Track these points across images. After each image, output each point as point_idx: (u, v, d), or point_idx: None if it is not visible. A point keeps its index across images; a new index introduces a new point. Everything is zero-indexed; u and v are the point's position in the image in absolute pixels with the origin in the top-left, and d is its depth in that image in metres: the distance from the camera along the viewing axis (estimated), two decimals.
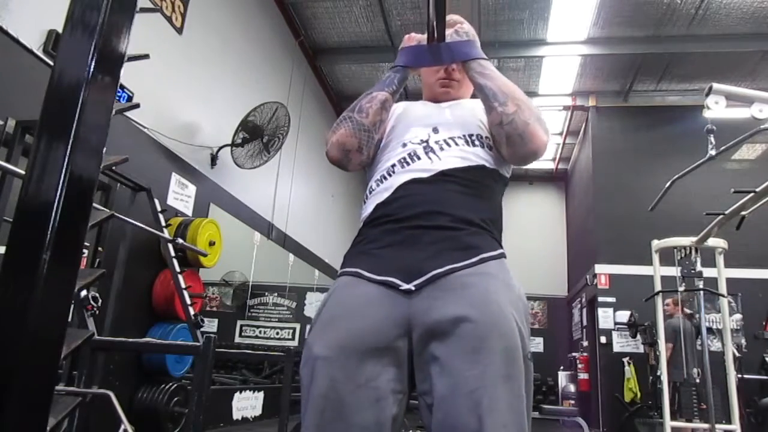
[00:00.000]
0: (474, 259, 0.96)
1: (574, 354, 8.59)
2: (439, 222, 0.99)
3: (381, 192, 1.08)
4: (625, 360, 6.67)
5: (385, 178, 1.09)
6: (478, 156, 1.09)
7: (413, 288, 0.93)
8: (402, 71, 1.20)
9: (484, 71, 1.11)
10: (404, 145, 1.11)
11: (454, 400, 0.85)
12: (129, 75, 3.60)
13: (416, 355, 0.92)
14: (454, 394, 0.85)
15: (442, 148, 1.09)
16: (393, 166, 1.09)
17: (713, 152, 2.82)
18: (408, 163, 1.08)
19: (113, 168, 2.86)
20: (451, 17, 1.21)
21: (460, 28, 1.19)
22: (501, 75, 1.11)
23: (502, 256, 1.02)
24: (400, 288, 0.94)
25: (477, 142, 1.11)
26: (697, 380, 4.20)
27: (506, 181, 1.17)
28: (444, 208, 1.01)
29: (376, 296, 0.95)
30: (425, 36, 1.19)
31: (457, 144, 1.10)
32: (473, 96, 1.25)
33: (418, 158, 1.08)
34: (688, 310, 5.00)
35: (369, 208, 1.09)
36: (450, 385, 0.86)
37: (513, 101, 1.06)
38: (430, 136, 1.11)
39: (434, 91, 1.28)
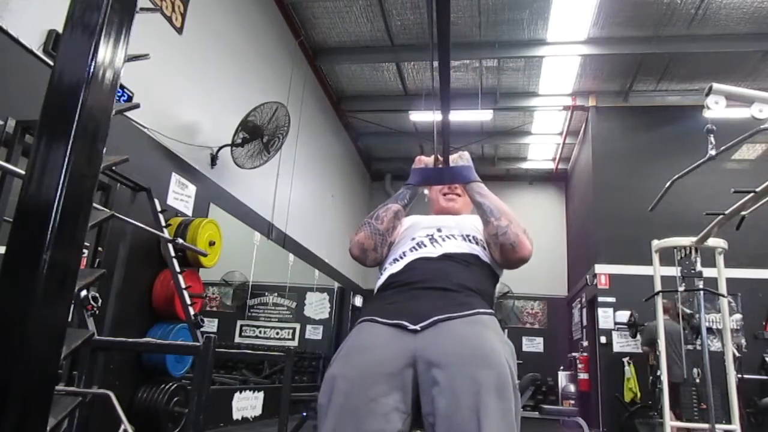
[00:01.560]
0: (469, 312, 1.15)
1: (574, 354, 8.59)
2: (441, 285, 1.22)
3: (394, 267, 1.33)
4: (625, 360, 6.67)
5: (397, 260, 1.35)
6: (473, 248, 1.36)
7: (419, 329, 1.11)
8: (413, 188, 1.48)
9: (482, 191, 1.41)
10: (413, 239, 1.39)
11: (456, 412, 0.98)
12: (129, 75, 3.61)
13: (420, 382, 1.06)
14: (455, 407, 0.99)
15: (444, 240, 1.37)
16: (404, 252, 1.36)
17: (713, 152, 2.82)
18: (417, 249, 1.35)
19: (113, 168, 2.86)
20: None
21: (462, 154, 1.50)
22: (494, 195, 1.40)
23: (493, 315, 1.21)
24: (408, 328, 1.12)
25: (473, 240, 1.38)
26: (697, 380, 4.20)
27: (497, 278, 1.41)
28: (446, 276, 1.24)
29: (388, 334, 1.13)
30: (432, 159, 1.51)
31: (456, 239, 1.38)
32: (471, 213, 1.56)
33: (425, 246, 1.36)
34: (687, 310, 5.00)
35: (383, 278, 1.33)
36: (450, 400, 0.99)
37: (506, 217, 1.33)
38: (434, 233, 1.40)
39: (440, 205, 1.60)
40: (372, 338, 1.14)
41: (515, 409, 1.03)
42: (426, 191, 1.67)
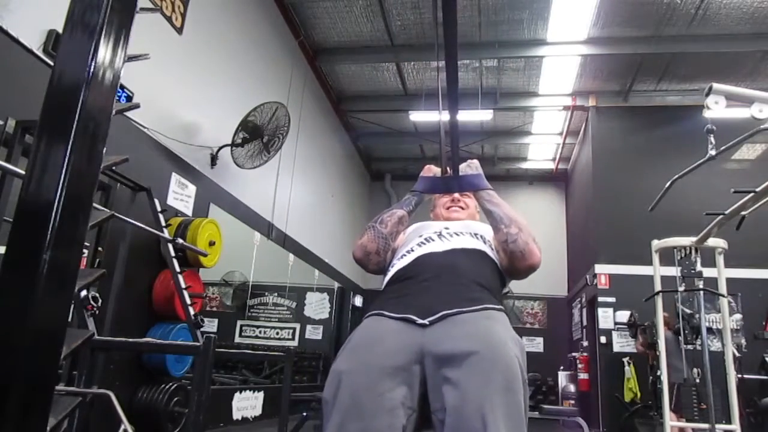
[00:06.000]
0: (479, 307, 1.14)
1: (574, 354, 8.59)
2: (450, 279, 1.23)
3: (402, 262, 1.34)
4: (625, 360, 6.67)
5: (405, 255, 1.36)
6: (482, 246, 1.38)
7: (427, 323, 1.11)
8: (419, 196, 1.50)
9: (492, 199, 1.42)
10: (420, 236, 1.42)
11: (464, 408, 0.97)
12: (129, 75, 3.60)
13: (429, 378, 1.05)
14: (463, 403, 0.98)
15: (452, 236, 1.39)
16: (412, 248, 1.37)
17: (713, 152, 2.81)
18: (425, 244, 1.38)
19: (113, 168, 2.85)
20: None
21: (471, 162, 1.53)
22: (505, 203, 1.41)
23: (503, 311, 1.19)
24: (416, 322, 1.12)
25: (480, 239, 1.40)
26: (697, 380, 4.20)
27: (505, 282, 1.40)
28: (455, 270, 1.26)
29: (395, 328, 1.13)
30: (440, 169, 1.51)
31: (464, 235, 1.40)
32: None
33: (433, 241, 1.38)
34: (687, 310, 4.99)
35: (390, 273, 1.34)
36: (460, 397, 0.98)
37: (516, 225, 1.34)
38: (442, 231, 1.43)
39: (443, 218, 1.61)
40: (379, 332, 1.13)
41: (524, 403, 1.02)
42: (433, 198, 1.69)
